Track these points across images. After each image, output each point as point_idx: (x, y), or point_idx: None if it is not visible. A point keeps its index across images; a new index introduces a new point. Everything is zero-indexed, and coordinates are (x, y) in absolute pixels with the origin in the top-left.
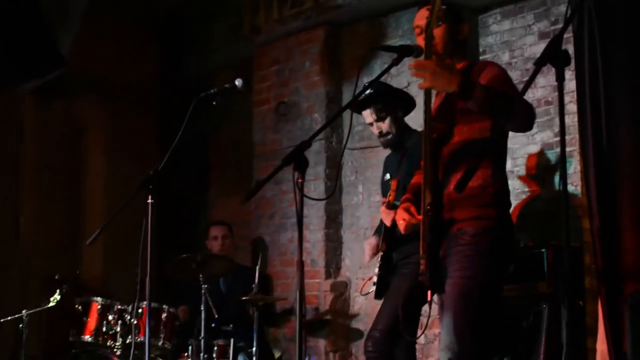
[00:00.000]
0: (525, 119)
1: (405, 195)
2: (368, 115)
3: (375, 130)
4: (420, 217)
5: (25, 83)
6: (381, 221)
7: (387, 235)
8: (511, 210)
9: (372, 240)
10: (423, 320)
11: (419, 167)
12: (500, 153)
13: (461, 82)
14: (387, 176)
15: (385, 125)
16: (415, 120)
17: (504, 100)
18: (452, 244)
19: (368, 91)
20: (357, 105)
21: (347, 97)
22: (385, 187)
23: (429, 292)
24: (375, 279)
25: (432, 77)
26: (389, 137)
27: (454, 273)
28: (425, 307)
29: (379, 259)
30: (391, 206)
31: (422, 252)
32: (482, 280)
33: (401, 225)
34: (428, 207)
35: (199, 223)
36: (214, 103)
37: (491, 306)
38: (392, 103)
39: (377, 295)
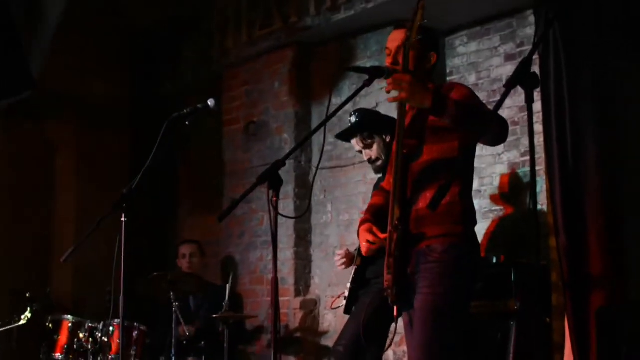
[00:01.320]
0: (498, 131)
1: (364, 215)
2: (355, 143)
3: (365, 157)
4: (384, 235)
5: None
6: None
7: (361, 254)
8: (480, 229)
9: (341, 251)
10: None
11: None
12: (468, 172)
13: (434, 98)
14: None
15: (373, 152)
16: None
17: (476, 113)
18: (420, 261)
19: (353, 119)
20: (344, 135)
21: (315, 117)
22: None
23: (395, 308)
24: (346, 294)
25: (408, 90)
26: (379, 162)
27: (423, 290)
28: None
29: (352, 273)
30: None
31: (388, 267)
32: (452, 296)
33: (364, 247)
34: (397, 223)
35: (170, 241)
36: (187, 123)
37: (460, 322)
38: (378, 129)
39: (346, 311)
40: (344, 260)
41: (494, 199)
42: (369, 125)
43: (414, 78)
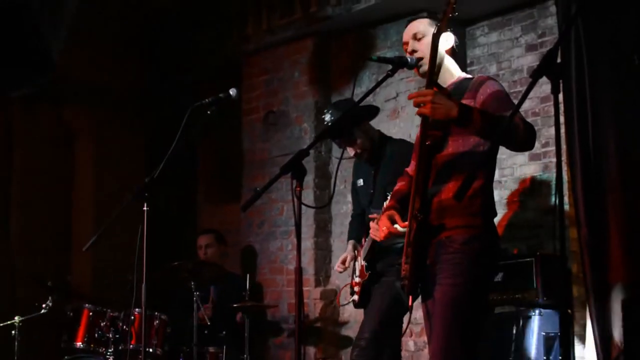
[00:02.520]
0: (523, 141)
1: (389, 201)
2: (337, 145)
3: (351, 153)
4: (404, 224)
5: (16, 89)
6: (350, 225)
7: (372, 246)
8: (499, 220)
9: (347, 257)
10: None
11: (402, 174)
12: (490, 165)
13: (460, 111)
14: (360, 182)
15: (356, 146)
16: (402, 129)
17: (501, 125)
18: (440, 252)
19: (327, 117)
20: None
21: None
22: (358, 192)
23: (410, 298)
24: (350, 287)
25: (432, 105)
26: (365, 154)
27: (443, 280)
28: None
29: (360, 265)
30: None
31: (406, 257)
32: (471, 287)
33: (382, 232)
34: (416, 213)
35: (190, 231)
36: (209, 112)
37: (479, 313)
38: (350, 128)
39: (360, 305)
40: (344, 268)
41: (514, 189)
42: (342, 124)
43: (437, 90)
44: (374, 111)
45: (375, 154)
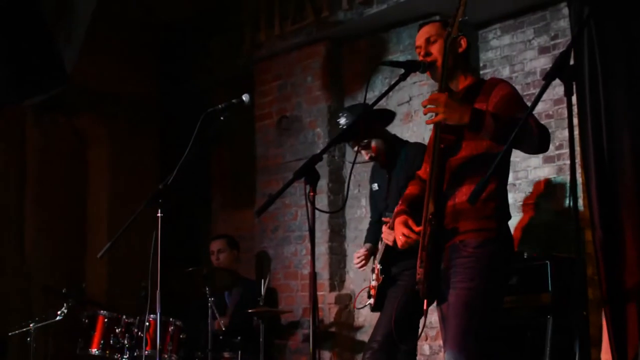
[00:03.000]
0: (537, 144)
1: (399, 206)
2: (352, 146)
3: (366, 157)
4: (419, 229)
5: (29, 98)
6: (368, 230)
7: (386, 250)
8: (513, 222)
9: (361, 250)
10: (426, 330)
11: (413, 178)
12: (504, 168)
13: (472, 116)
14: (375, 186)
15: (371, 151)
16: (415, 133)
17: (514, 128)
18: (454, 256)
19: (342, 120)
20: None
21: None
22: (374, 197)
23: (425, 302)
24: (367, 291)
25: (445, 110)
26: (380, 158)
27: (457, 284)
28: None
29: (376, 268)
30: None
31: (421, 261)
32: (485, 291)
33: (400, 240)
34: (430, 217)
35: (204, 236)
36: (222, 118)
37: (494, 316)
38: (365, 132)
39: (375, 308)
40: (363, 261)
41: (528, 192)
42: (357, 127)
43: (450, 95)
44: (389, 116)
45: (389, 158)
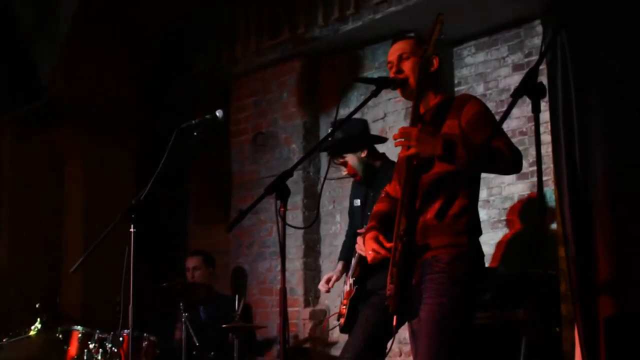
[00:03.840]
0: (509, 167)
1: (369, 222)
2: (332, 160)
3: (343, 172)
4: (389, 244)
5: (5, 112)
6: (343, 245)
7: (362, 262)
8: (487, 239)
9: (332, 276)
10: (400, 347)
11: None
12: (475, 184)
13: (444, 148)
14: (357, 202)
15: (349, 168)
16: (390, 149)
17: (485, 155)
18: (426, 271)
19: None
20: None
21: (324, 128)
22: (354, 213)
23: (394, 318)
24: (339, 313)
25: (416, 144)
26: (357, 177)
27: (428, 300)
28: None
29: (349, 285)
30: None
31: (391, 277)
32: (456, 306)
33: (369, 256)
34: (402, 233)
35: (180, 252)
36: (195, 134)
37: (465, 332)
38: (348, 149)
39: (345, 329)
40: (328, 289)
41: (502, 209)
42: (337, 147)
43: (421, 129)
44: (371, 140)
45: (366, 176)
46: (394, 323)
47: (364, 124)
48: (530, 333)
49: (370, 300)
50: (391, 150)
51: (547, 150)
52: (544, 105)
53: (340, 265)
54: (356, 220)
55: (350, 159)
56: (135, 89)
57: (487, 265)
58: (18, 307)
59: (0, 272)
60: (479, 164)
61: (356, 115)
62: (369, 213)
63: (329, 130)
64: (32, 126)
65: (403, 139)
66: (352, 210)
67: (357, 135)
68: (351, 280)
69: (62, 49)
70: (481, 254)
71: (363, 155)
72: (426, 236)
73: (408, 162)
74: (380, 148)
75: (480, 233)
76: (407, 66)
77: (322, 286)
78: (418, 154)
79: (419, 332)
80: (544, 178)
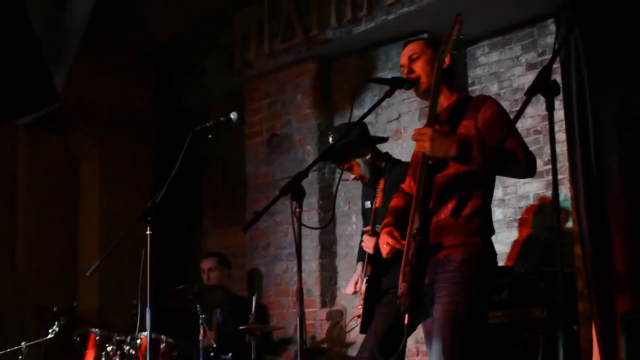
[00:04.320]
0: (523, 172)
1: (386, 218)
2: (337, 166)
3: (350, 177)
4: (404, 242)
5: (21, 117)
6: (360, 246)
7: (372, 261)
8: (505, 238)
9: (355, 278)
10: (418, 346)
11: (398, 190)
12: (490, 185)
13: (459, 149)
14: (368, 204)
15: (355, 173)
16: (405, 149)
17: (500, 159)
18: (439, 271)
19: (330, 139)
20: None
21: None
22: (366, 214)
23: (406, 317)
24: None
25: (431, 145)
26: (364, 180)
27: (442, 299)
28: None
29: (364, 287)
30: (374, 233)
31: (404, 275)
32: (469, 305)
33: (384, 249)
34: (415, 232)
35: (196, 254)
36: (210, 136)
37: (479, 331)
38: (352, 153)
39: (363, 330)
40: (354, 290)
41: (518, 207)
42: (341, 153)
43: (437, 129)
44: (372, 141)
45: (373, 180)
46: (405, 322)
47: (363, 126)
48: (548, 331)
49: (384, 300)
50: (406, 150)
51: (562, 148)
52: (558, 103)
53: (359, 267)
54: (367, 221)
55: (356, 163)
56: (149, 93)
57: (503, 264)
58: (36, 311)
59: (18, 275)
60: (493, 166)
61: (370, 116)
62: (377, 214)
63: (330, 138)
64: (47, 130)
65: (418, 139)
66: (363, 211)
67: (358, 139)
68: (365, 280)
69: (76, 53)
70: (494, 254)
71: (368, 157)
72: (439, 235)
73: (423, 160)
74: (395, 148)
75: (492, 232)
76: (417, 66)
77: (350, 289)
78: (433, 154)
79: (433, 331)
80: (559, 176)
